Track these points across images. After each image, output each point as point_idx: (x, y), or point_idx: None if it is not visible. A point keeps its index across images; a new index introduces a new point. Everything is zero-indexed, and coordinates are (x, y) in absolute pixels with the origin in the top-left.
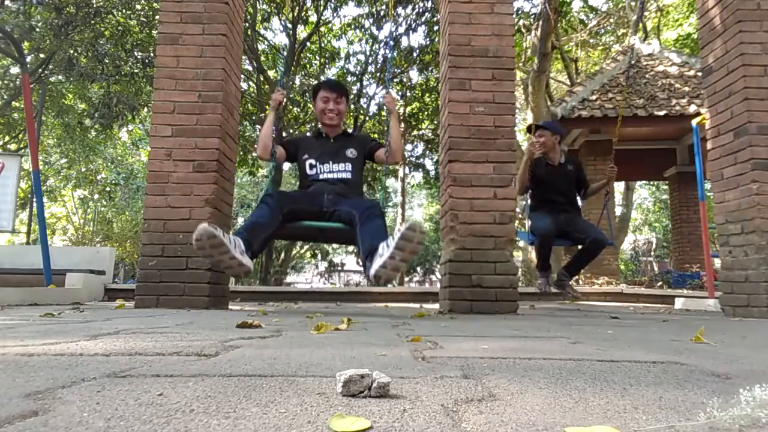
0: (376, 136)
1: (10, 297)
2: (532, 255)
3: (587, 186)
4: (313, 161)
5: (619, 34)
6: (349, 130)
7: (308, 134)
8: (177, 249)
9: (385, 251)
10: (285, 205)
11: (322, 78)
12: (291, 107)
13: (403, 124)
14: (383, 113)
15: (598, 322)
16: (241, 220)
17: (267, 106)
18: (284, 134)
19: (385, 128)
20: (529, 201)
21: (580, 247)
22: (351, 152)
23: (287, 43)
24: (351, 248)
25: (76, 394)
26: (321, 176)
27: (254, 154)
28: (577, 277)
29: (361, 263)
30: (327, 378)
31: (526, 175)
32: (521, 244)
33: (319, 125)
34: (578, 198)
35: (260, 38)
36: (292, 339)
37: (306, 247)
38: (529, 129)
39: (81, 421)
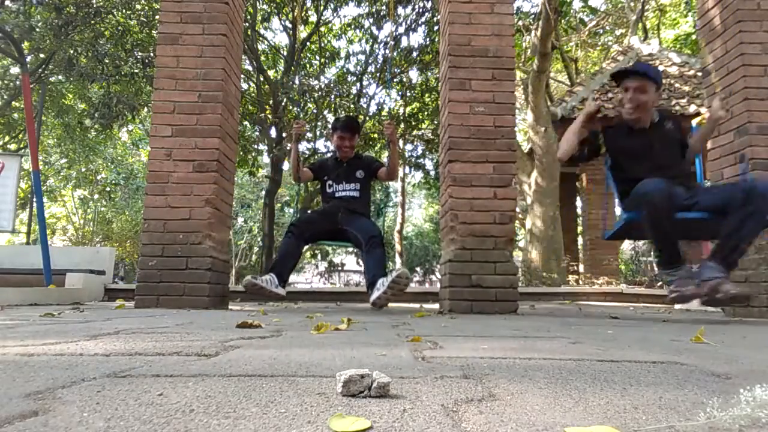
0: (375, 136)
1: (10, 297)
2: (533, 255)
3: (687, 144)
4: (331, 182)
5: (618, 34)
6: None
7: (327, 158)
8: (177, 249)
9: (381, 287)
10: (306, 232)
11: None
12: (291, 107)
13: (402, 124)
14: (383, 113)
15: (598, 322)
16: (241, 220)
17: (268, 107)
18: (284, 134)
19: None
20: (613, 190)
21: (728, 215)
22: (359, 173)
23: (287, 43)
24: (351, 249)
25: (76, 394)
26: (337, 194)
27: (254, 154)
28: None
29: (365, 281)
30: (327, 378)
31: (576, 141)
32: (521, 244)
33: (333, 149)
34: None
35: (260, 38)
36: (292, 339)
37: (306, 246)
38: (617, 75)
39: (81, 421)
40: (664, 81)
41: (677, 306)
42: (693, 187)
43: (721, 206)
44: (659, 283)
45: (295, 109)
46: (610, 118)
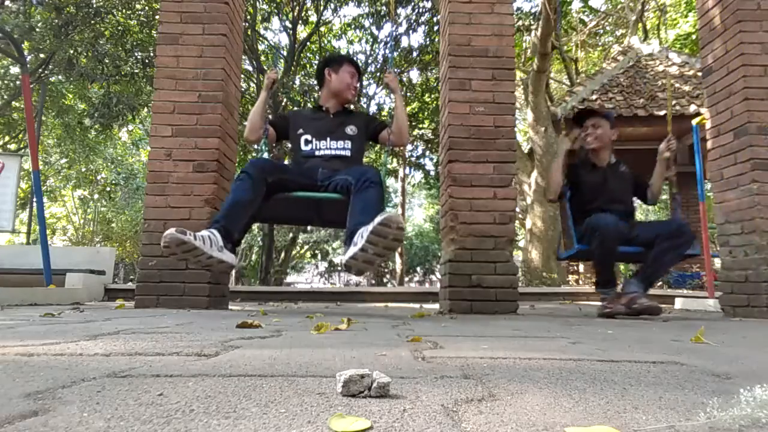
0: None
1: (10, 297)
2: (533, 255)
3: (648, 185)
4: (309, 137)
5: (618, 35)
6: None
7: (302, 108)
8: None
9: (359, 241)
10: (270, 174)
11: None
12: (291, 107)
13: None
14: (384, 113)
15: (598, 322)
16: None
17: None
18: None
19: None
20: (568, 213)
21: (655, 245)
22: (351, 129)
23: (287, 43)
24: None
25: (76, 394)
26: (317, 152)
27: (254, 154)
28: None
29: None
30: (327, 378)
31: (562, 177)
32: (521, 244)
33: (319, 99)
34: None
35: (260, 38)
36: (292, 339)
37: (306, 247)
38: (577, 117)
39: (81, 421)
40: (663, 81)
41: (600, 319)
42: (633, 224)
43: (653, 239)
44: (659, 283)
45: (295, 108)
46: (576, 154)
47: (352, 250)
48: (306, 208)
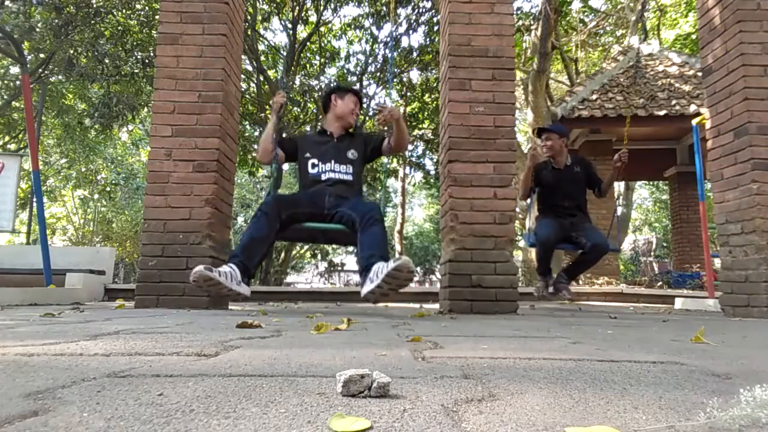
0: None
1: (10, 297)
2: (533, 255)
3: (600, 182)
4: (315, 161)
5: (618, 35)
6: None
7: (309, 133)
8: (177, 249)
9: (375, 279)
10: (284, 210)
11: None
12: (291, 107)
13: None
14: None
15: (598, 322)
16: (241, 220)
17: (267, 107)
18: (284, 134)
19: (385, 129)
20: (533, 204)
21: (581, 251)
22: (352, 153)
23: (287, 43)
24: (351, 249)
25: (76, 394)
26: (323, 176)
27: (254, 155)
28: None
29: (357, 265)
30: (327, 378)
31: (530, 181)
32: (521, 244)
33: (324, 124)
34: (590, 198)
35: (260, 38)
36: (292, 339)
37: (306, 247)
38: (535, 132)
39: (81, 421)
40: (664, 81)
41: (537, 300)
42: (581, 222)
43: (582, 245)
44: (659, 283)
45: (296, 108)
46: (542, 161)
47: (370, 286)
48: (312, 233)
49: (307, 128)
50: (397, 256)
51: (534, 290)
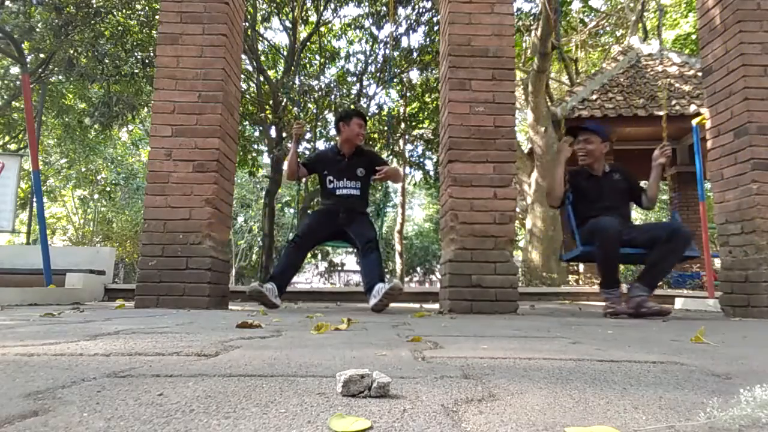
0: (375, 135)
1: (10, 297)
2: (533, 255)
3: (643, 191)
4: (332, 177)
5: (618, 35)
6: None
7: (326, 150)
8: (177, 249)
9: (377, 295)
10: (309, 242)
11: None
12: (291, 107)
13: (402, 124)
14: (383, 113)
15: (598, 322)
16: (241, 220)
17: (268, 107)
18: (284, 134)
19: (385, 128)
20: (572, 219)
21: (654, 249)
22: (360, 171)
23: (287, 43)
24: (351, 249)
25: (76, 394)
26: (337, 191)
27: (254, 154)
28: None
29: (363, 283)
30: (327, 378)
31: (563, 186)
32: (521, 244)
33: (338, 143)
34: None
35: (260, 38)
36: (292, 339)
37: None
38: (570, 131)
39: (81, 421)
40: (663, 81)
41: (609, 319)
42: (629, 227)
43: (650, 241)
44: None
45: (295, 109)
46: (574, 162)
47: (375, 300)
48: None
49: (307, 128)
50: (389, 278)
51: (603, 310)
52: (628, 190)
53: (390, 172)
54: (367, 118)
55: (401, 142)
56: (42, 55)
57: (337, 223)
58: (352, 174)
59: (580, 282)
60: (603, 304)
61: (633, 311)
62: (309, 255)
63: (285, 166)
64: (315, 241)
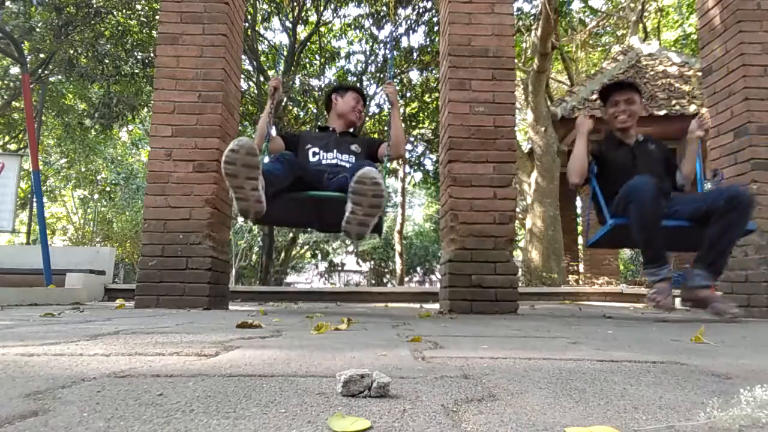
0: (376, 135)
1: (10, 297)
2: (533, 255)
3: (676, 167)
4: (316, 149)
5: (618, 35)
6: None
7: (309, 129)
8: (177, 249)
9: (347, 207)
10: (295, 171)
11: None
12: (291, 107)
13: (403, 125)
14: (384, 113)
15: (597, 322)
16: (241, 221)
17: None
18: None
19: (385, 128)
20: (599, 194)
21: (710, 222)
22: (356, 147)
23: (287, 43)
24: (351, 248)
25: (76, 394)
26: (324, 162)
27: None
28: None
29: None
30: (327, 378)
31: (587, 159)
32: (521, 244)
33: (326, 122)
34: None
35: (260, 38)
36: (292, 339)
37: (306, 247)
38: (604, 92)
39: (81, 421)
40: (663, 81)
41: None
42: (671, 200)
43: (704, 214)
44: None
45: (296, 108)
46: (598, 130)
47: (344, 216)
48: (308, 211)
49: (307, 128)
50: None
51: (647, 298)
52: (664, 162)
53: (393, 98)
54: (367, 118)
55: None
56: (42, 55)
57: (323, 181)
58: (344, 148)
59: (580, 282)
60: (606, 304)
61: (694, 304)
62: (309, 255)
63: (257, 129)
64: (300, 172)
